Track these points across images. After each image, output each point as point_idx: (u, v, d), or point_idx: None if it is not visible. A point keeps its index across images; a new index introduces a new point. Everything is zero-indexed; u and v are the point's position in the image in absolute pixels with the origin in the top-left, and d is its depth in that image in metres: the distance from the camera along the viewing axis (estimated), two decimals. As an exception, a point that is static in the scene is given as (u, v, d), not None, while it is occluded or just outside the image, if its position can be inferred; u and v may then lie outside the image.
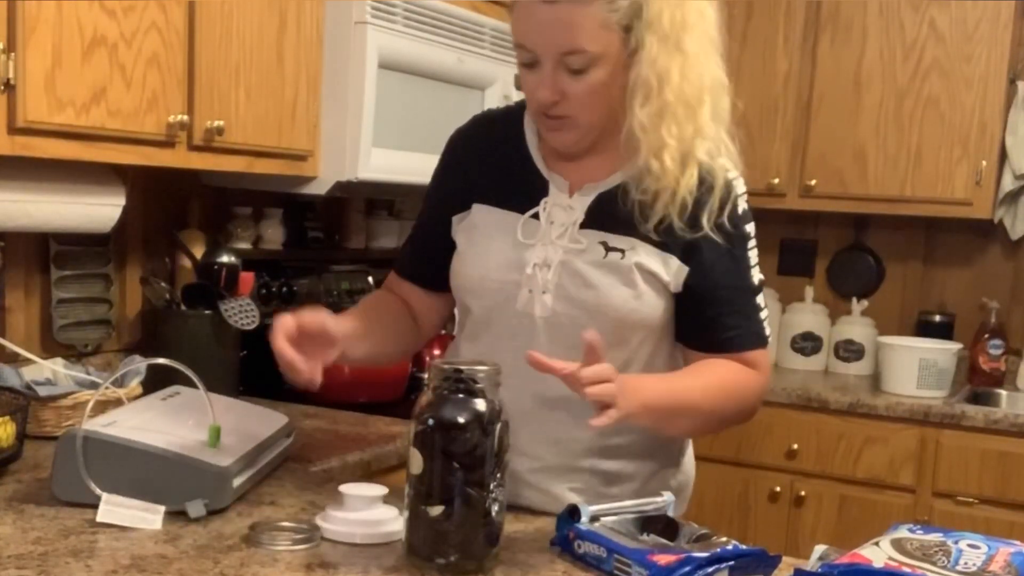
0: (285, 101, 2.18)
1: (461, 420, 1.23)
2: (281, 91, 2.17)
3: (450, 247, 1.57)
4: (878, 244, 3.61)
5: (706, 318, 1.48)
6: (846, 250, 3.65)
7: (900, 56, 3.22)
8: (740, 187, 1.49)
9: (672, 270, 1.46)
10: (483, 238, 1.51)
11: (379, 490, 1.41)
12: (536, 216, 1.48)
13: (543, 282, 1.46)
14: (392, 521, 1.38)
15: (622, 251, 1.45)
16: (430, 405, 1.25)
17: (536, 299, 1.47)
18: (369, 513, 1.39)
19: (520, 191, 1.50)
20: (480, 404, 1.25)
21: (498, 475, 1.26)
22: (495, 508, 1.27)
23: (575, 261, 1.46)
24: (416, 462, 1.25)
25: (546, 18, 1.35)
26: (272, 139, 2.16)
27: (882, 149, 3.26)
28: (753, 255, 1.49)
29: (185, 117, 1.92)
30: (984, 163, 3.14)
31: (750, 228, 1.49)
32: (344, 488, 1.40)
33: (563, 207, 1.47)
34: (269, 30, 2.11)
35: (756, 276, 1.49)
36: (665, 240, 1.45)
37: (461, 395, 1.24)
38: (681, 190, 1.42)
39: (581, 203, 1.47)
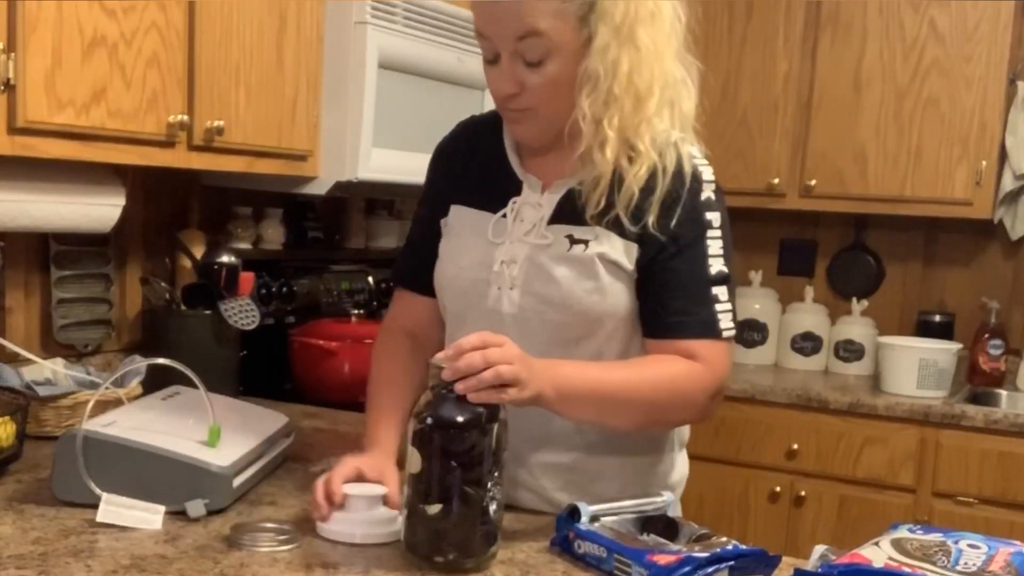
0: (285, 101, 2.18)
1: (460, 420, 1.24)
2: (281, 91, 2.17)
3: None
4: (878, 244, 3.61)
5: (653, 301, 1.46)
6: (846, 250, 3.65)
7: (900, 56, 3.22)
8: (706, 175, 1.47)
9: (633, 257, 1.45)
10: (456, 238, 1.54)
11: (379, 490, 1.41)
12: (506, 216, 1.50)
13: (510, 278, 1.48)
14: (392, 520, 1.38)
15: (586, 242, 1.45)
16: (428, 405, 1.26)
17: (504, 295, 1.48)
18: (369, 513, 1.39)
19: (495, 192, 1.52)
20: (479, 404, 1.25)
21: (495, 474, 1.27)
22: (493, 507, 1.27)
23: (539, 256, 1.47)
24: (415, 461, 1.26)
25: (501, 4, 1.37)
26: (272, 139, 2.16)
27: (882, 149, 3.26)
28: (715, 245, 1.46)
29: (185, 117, 1.92)
30: (984, 163, 3.14)
31: (712, 217, 1.46)
32: (344, 488, 1.40)
33: (532, 205, 1.49)
34: (269, 30, 2.11)
35: (717, 266, 1.45)
36: (621, 229, 1.44)
37: (455, 393, 1.25)
38: (629, 182, 1.42)
39: (550, 200, 1.48)
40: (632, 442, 1.55)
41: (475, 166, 1.56)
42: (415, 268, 1.63)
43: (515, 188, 1.51)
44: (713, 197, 1.47)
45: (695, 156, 1.47)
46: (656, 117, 1.43)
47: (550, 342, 1.47)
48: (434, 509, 1.25)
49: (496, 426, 1.26)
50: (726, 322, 1.45)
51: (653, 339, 1.47)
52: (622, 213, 1.43)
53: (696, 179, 1.46)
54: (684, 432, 1.67)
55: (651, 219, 1.43)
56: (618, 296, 1.46)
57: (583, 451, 1.53)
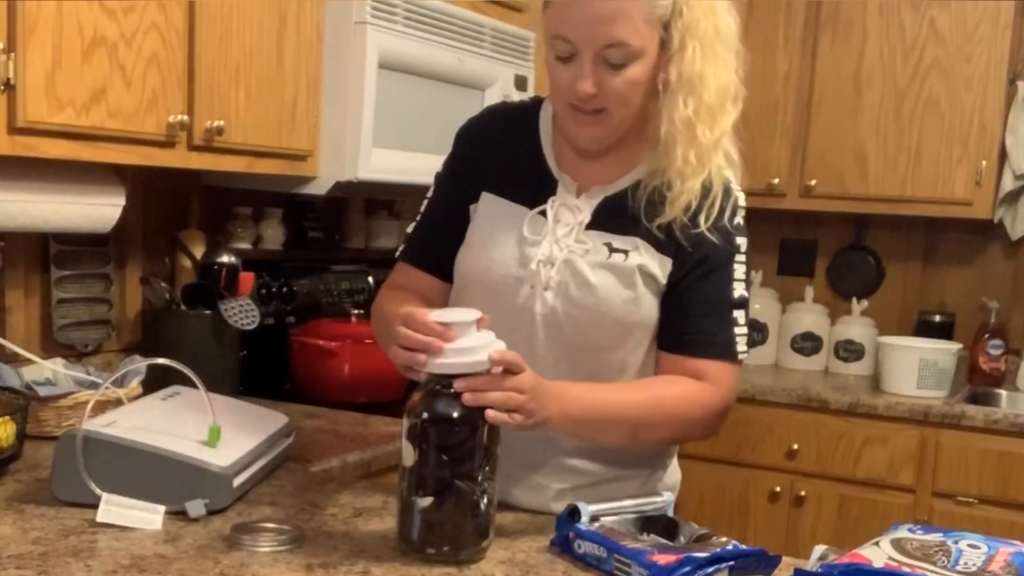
0: (285, 101, 2.18)
1: (453, 415, 1.26)
2: (281, 91, 2.17)
3: (458, 233, 1.56)
4: (878, 244, 3.61)
5: (676, 317, 1.48)
6: (846, 250, 3.65)
7: (900, 56, 3.22)
8: (741, 200, 1.51)
9: (667, 271, 1.47)
10: (489, 229, 1.52)
11: (469, 314, 1.31)
12: (543, 213, 1.49)
13: (545, 279, 1.47)
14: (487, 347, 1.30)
15: (625, 252, 1.46)
16: (423, 399, 1.28)
17: (537, 295, 1.48)
18: (473, 338, 1.30)
19: (528, 187, 1.51)
20: None
21: (487, 468, 1.29)
22: (484, 501, 1.29)
23: (578, 260, 1.47)
24: (408, 455, 1.28)
25: (591, 10, 1.35)
26: (272, 139, 2.16)
27: (882, 149, 3.26)
28: (740, 270, 1.48)
29: (185, 117, 1.92)
30: (984, 163, 3.14)
31: (742, 242, 1.49)
32: (435, 316, 1.30)
33: (570, 207, 1.49)
34: (269, 30, 2.11)
35: (739, 291, 1.48)
36: (665, 239, 1.46)
37: (453, 389, 1.27)
38: (687, 193, 1.44)
39: (588, 204, 1.49)
40: (638, 450, 1.55)
41: (507, 154, 1.55)
42: (429, 247, 1.60)
43: (549, 185, 1.51)
44: (743, 223, 1.50)
45: (732, 181, 1.50)
46: (727, 132, 1.46)
47: (578, 346, 1.47)
48: (426, 502, 1.28)
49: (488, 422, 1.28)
50: (742, 345, 1.48)
51: (670, 353, 1.49)
52: (681, 216, 1.44)
53: (735, 203, 1.49)
54: None
55: (703, 223, 1.45)
56: (651, 308, 1.48)
57: (593, 456, 1.54)
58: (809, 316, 3.56)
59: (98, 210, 2.01)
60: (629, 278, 1.46)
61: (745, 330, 1.49)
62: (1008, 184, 3.20)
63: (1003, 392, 3.27)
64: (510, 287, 1.49)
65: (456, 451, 1.27)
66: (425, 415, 1.27)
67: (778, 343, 3.59)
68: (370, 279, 2.89)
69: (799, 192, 3.37)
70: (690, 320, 1.47)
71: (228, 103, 2.03)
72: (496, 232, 1.51)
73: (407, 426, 1.29)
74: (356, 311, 2.68)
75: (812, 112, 3.35)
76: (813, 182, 3.33)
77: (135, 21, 1.82)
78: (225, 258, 2.35)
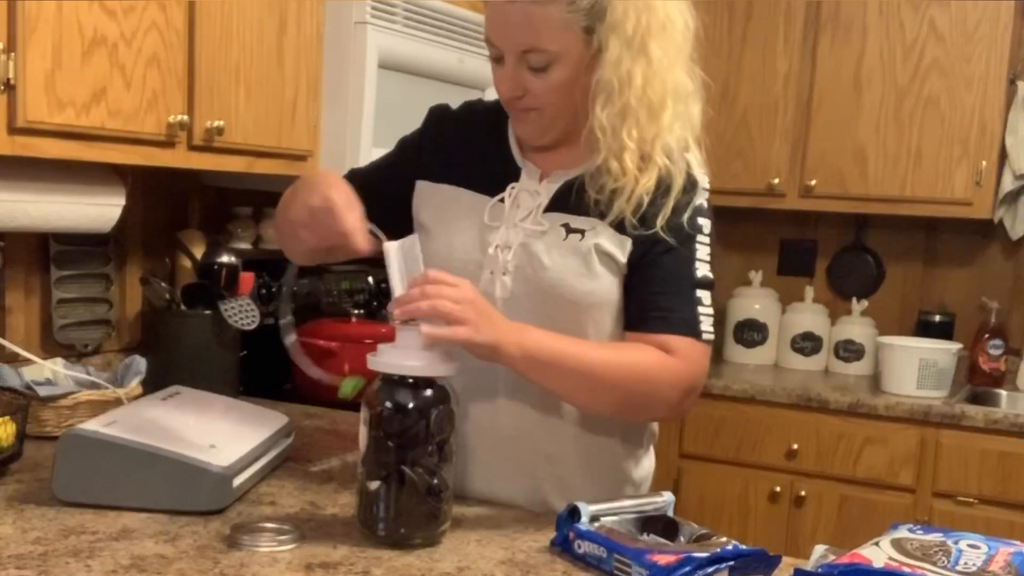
0: (285, 101, 2.18)
1: (408, 405, 1.33)
2: (281, 91, 2.17)
3: (393, 198, 1.59)
4: (878, 244, 3.61)
5: (638, 296, 1.48)
6: (846, 250, 3.65)
7: (900, 56, 3.22)
8: (703, 182, 1.51)
9: (626, 251, 1.48)
10: (452, 218, 1.55)
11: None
12: (504, 201, 1.52)
13: (503, 263, 1.49)
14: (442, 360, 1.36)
15: (582, 232, 1.47)
16: (380, 388, 1.35)
17: (496, 280, 1.50)
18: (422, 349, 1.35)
19: (493, 177, 1.54)
20: (425, 390, 1.34)
21: (436, 458, 1.34)
22: (435, 486, 1.34)
23: (534, 243, 1.49)
24: (364, 441, 1.35)
25: (508, 16, 1.40)
26: (272, 139, 2.16)
27: (882, 149, 3.26)
28: (703, 250, 1.49)
29: (185, 117, 1.92)
30: (984, 163, 3.14)
31: (703, 222, 1.49)
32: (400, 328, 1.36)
33: (530, 192, 1.51)
34: (269, 30, 2.11)
35: (702, 271, 1.48)
36: (619, 226, 1.47)
37: (410, 380, 1.33)
38: (639, 190, 1.44)
39: (548, 189, 1.51)
40: (603, 435, 1.56)
41: (474, 147, 1.58)
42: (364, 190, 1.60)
43: (513, 174, 1.53)
44: (705, 204, 1.50)
45: (692, 163, 1.50)
46: (669, 129, 1.46)
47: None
48: (373, 485, 1.34)
49: (439, 411, 1.33)
50: (707, 325, 1.47)
51: (634, 331, 1.49)
52: (630, 218, 1.45)
53: (693, 184, 1.49)
54: (653, 428, 1.67)
55: (660, 223, 1.45)
56: (609, 287, 1.48)
57: (564, 442, 1.54)
58: (809, 316, 3.56)
59: (98, 210, 2.01)
60: (585, 257, 1.47)
61: (711, 311, 1.48)
62: (1008, 184, 3.20)
63: (1003, 392, 3.27)
64: (471, 272, 1.50)
65: (405, 438, 1.32)
66: (382, 404, 1.33)
67: (778, 343, 3.59)
68: (370, 279, 2.89)
69: (799, 192, 3.37)
70: (652, 298, 1.47)
71: (228, 103, 2.03)
72: (458, 220, 1.54)
73: (364, 415, 1.35)
74: (356, 311, 2.68)
75: (812, 112, 3.35)
76: (813, 182, 3.33)
77: (135, 21, 1.82)
78: (225, 258, 2.35)
